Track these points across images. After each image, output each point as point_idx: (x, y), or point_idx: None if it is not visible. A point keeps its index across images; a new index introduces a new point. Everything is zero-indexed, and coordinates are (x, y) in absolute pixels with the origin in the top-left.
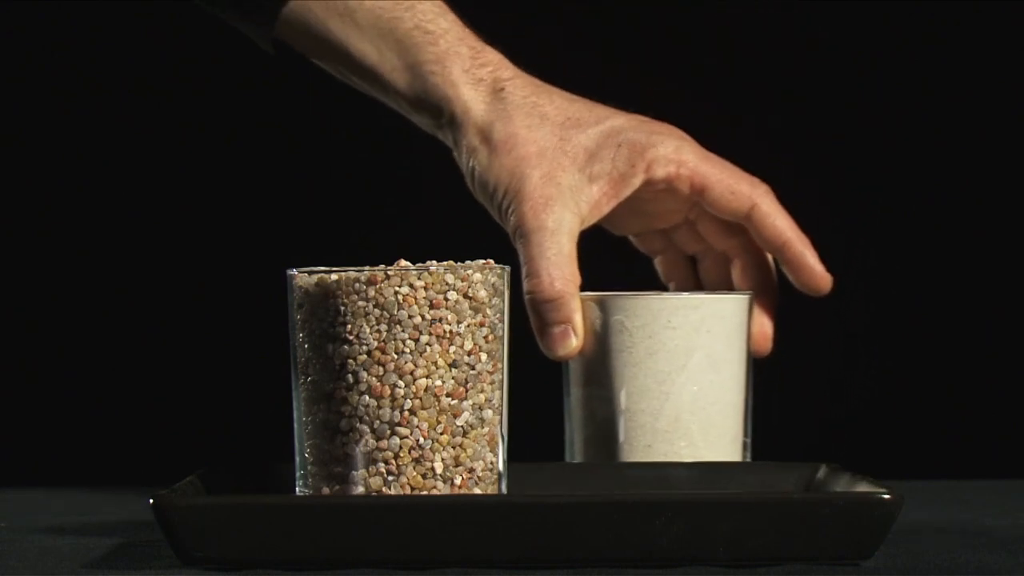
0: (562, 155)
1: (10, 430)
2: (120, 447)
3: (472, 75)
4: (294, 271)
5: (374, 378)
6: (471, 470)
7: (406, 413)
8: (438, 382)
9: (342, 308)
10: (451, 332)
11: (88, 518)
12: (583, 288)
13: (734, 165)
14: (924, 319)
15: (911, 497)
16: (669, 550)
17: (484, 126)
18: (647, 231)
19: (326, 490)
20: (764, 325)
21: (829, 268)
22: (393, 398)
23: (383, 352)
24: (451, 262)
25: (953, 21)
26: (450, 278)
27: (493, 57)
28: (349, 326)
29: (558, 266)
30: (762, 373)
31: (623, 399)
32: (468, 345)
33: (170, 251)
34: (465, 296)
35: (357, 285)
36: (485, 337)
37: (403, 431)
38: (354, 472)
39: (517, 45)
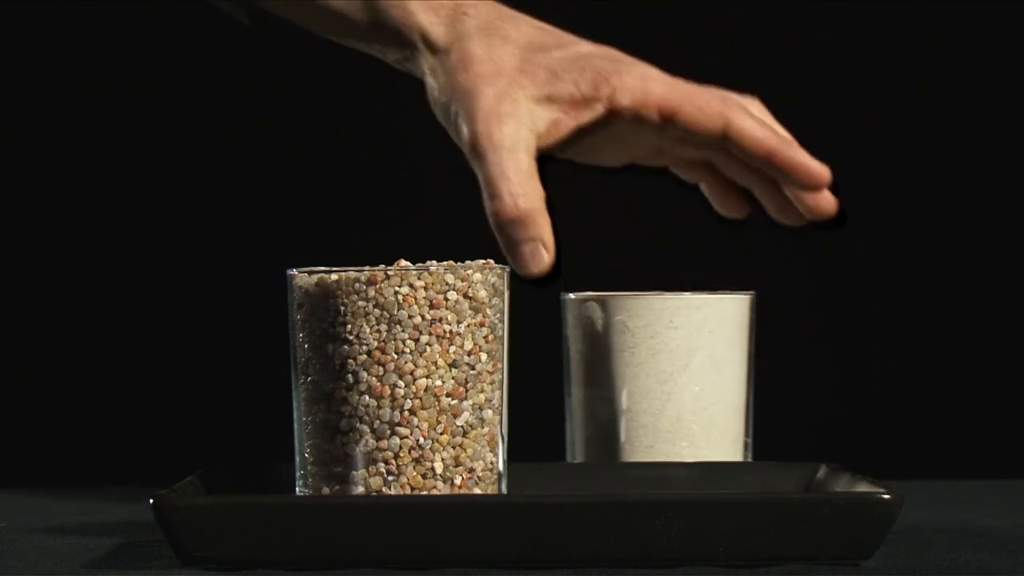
0: (521, 75)
1: (10, 430)
2: (120, 447)
3: (430, 2)
4: (294, 271)
5: (374, 378)
6: (471, 470)
7: (406, 413)
8: (438, 382)
9: (342, 308)
10: (451, 332)
11: (88, 518)
12: (584, 288)
13: (705, 87)
14: (924, 319)
15: (911, 497)
16: (669, 550)
17: (442, 48)
18: (633, 161)
19: (326, 490)
20: (823, 199)
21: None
22: (393, 398)
23: (383, 352)
24: (451, 262)
25: (953, 21)
26: (450, 278)
27: None
28: (349, 326)
29: (519, 184)
30: (762, 373)
31: (625, 399)
32: (468, 345)
33: (170, 251)
34: (465, 296)
35: (357, 285)
36: (485, 337)
37: (403, 431)
38: (354, 472)
39: None
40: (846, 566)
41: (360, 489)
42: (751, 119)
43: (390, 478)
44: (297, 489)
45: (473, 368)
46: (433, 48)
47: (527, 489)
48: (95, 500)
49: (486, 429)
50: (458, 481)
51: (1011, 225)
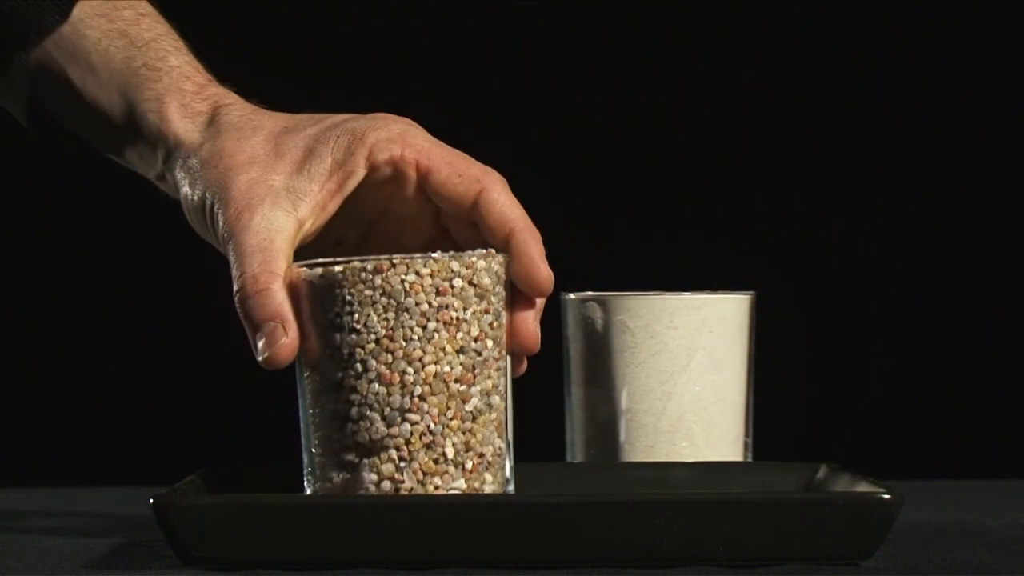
0: (276, 160)
1: (10, 430)
2: (120, 447)
3: (190, 108)
4: (296, 265)
5: (383, 366)
6: (481, 455)
7: (416, 399)
8: (447, 368)
9: (348, 297)
10: (458, 319)
11: (88, 518)
12: (584, 288)
13: (467, 155)
14: (924, 319)
15: (911, 497)
16: (669, 550)
17: (195, 149)
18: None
19: (336, 478)
20: (527, 321)
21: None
22: (403, 384)
23: (391, 340)
24: (453, 252)
25: (953, 21)
26: (455, 265)
27: (217, 91)
28: (356, 315)
29: (263, 262)
30: (762, 373)
31: (625, 399)
32: (474, 332)
33: (170, 251)
34: (470, 283)
35: (363, 275)
36: (490, 324)
37: (414, 417)
38: (365, 460)
39: (516, 47)
40: (846, 566)
41: (373, 476)
42: (507, 195)
43: (402, 464)
44: (305, 481)
45: (480, 354)
46: (187, 153)
47: (527, 489)
48: (95, 500)
49: (494, 415)
50: (469, 466)
51: (1011, 225)
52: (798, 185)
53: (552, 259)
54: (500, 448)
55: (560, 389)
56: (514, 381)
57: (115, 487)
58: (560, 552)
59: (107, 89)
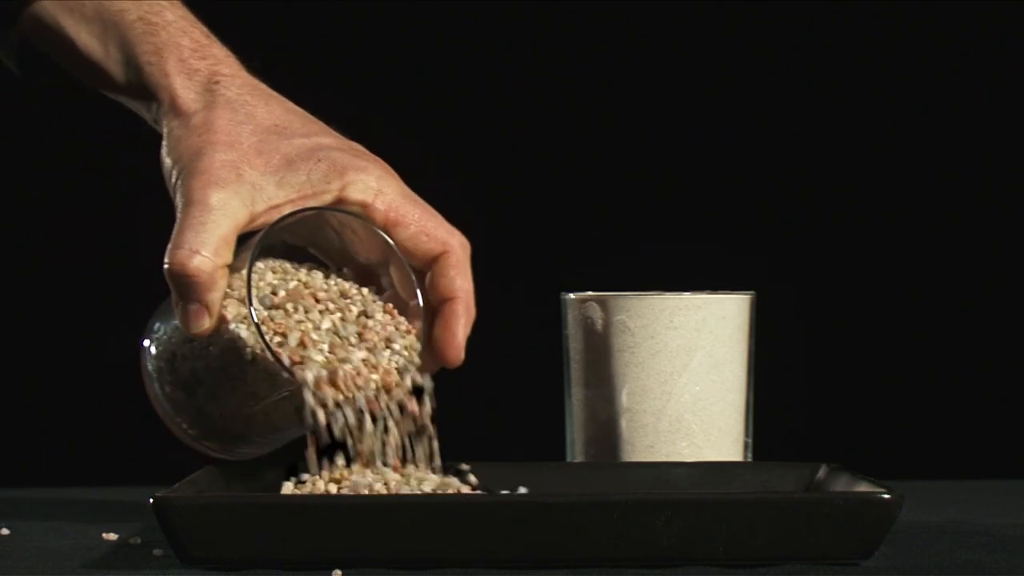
0: (256, 154)
1: (10, 430)
2: (120, 447)
3: (188, 65)
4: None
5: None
6: None
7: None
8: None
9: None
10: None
11: (88, 518)
12: (584, 288)
13: (438, 213)
14: (924, 319)
15: (911, 497)
16: (669, 550)
17: (187, 112)
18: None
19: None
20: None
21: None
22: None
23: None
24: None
25: (954, 21)
26: (391, 413)
27: (218, 52)
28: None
29: (204, 242)
30: (762, 373)
31: (625, 399)
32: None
33: None
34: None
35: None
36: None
37: None
38: (216, 433)
39: (518, 45)
40: (846, 566)
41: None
42: (464, 265)
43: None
44: (149, 348)
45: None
46: (179, 111)
47: (527, 489)
48: (95, 500)
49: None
50: None
51: (1011, 225)
52: (798, 185)
53: (552, 259)
54: None
55: (560, 389)
56: (514, 381)
57: (115, 487)
58: (560, 552)
59: (102, 40)
